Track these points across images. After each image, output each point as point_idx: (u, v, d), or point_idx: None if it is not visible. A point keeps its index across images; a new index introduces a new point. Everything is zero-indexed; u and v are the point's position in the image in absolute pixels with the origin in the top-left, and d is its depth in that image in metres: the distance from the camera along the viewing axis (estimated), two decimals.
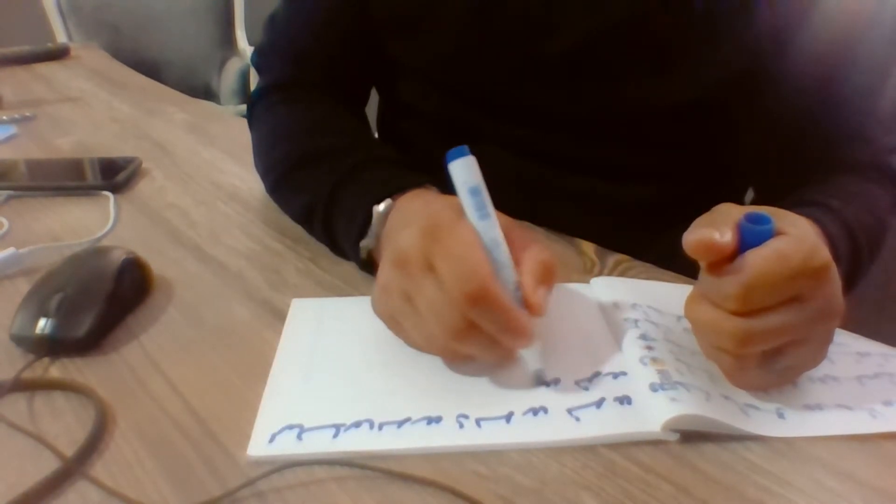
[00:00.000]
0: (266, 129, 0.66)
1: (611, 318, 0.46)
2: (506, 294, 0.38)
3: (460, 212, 0.41)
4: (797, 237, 0.36)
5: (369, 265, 0.52)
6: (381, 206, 0.49)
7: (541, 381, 0.41)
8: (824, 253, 0.36)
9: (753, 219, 0.36)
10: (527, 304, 0.40)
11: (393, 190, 0.50)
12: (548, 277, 0.41)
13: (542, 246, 0.42)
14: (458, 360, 0.42)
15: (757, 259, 0.35)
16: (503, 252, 0.41)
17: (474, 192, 0.40)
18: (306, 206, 0.57)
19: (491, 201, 0.41)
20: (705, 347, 0.40)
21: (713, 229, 0.36)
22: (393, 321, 0.43)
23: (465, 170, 0.40)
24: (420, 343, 0.42)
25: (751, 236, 0.36)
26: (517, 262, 0.41)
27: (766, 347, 0.36)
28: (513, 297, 0.40)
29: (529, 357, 0.41)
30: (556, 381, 0.41)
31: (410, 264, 0.39)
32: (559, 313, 0.48)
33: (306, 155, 0.59)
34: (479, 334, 0.38)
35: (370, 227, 0.49)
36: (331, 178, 0.54)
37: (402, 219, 0.47)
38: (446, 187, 0.40)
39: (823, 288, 0.36)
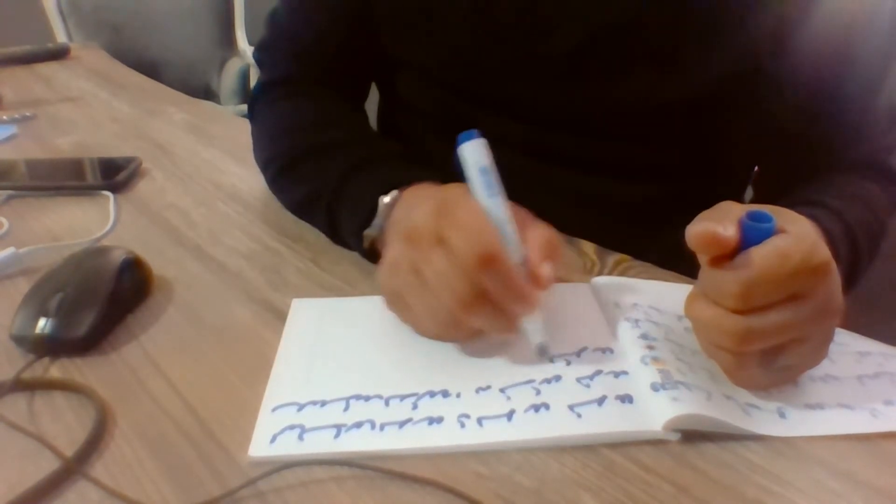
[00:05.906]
0: (269, 123, 0.67)
1: (611, 318, 0.46)
2: (513, 263, 0.39)
3: (468, 193, 0.42)
4: (797, 235, 0.36)
5: (372, 254, 0.53)
6: (387, 198, 0.50)
7: (544, 354, 0.41)
8: (824, 251, 0.36)
9: (755, 217, 0.36)
10: (532, 277, 0.41)
11: (399, 182, 0.51)
12: (553, 253, 0.42)
13: (546, 225, 0.44)
14: (459, 337, 0.43)
15: (757, 257, 0.35)
16: (510, 229, 0.42)
17: (484, 171, 0.42)
18: (309, 196, 0.58)
19: (501, 183, 0.42)
20: (705, 346, 0.40)
21: (716, 223, 0.36)
22: (397, 298, 0.43)
23: (475, 151, 0.42)
24: (423, 319, 0.42)
25: (752, 234, 0.36)
26: (523, 240, 0.42)
27: (766, 346, 0.36)
28: (519, 271, 0.41)
29: (532, 330, 0.42)
30: (558, 378, 0.41)
31: (421, 238, 0.40)
32: (560, 313, 0.48)
33: (312, 146, 0.60)
34: (486, 304, 0.39)
35: (375, 217, 0.50)
36: (339, 169, 0.55)
37: (408, 207, 0.49)
38: (448, 182, 0.42)
39: (823, 286, 0.36)
